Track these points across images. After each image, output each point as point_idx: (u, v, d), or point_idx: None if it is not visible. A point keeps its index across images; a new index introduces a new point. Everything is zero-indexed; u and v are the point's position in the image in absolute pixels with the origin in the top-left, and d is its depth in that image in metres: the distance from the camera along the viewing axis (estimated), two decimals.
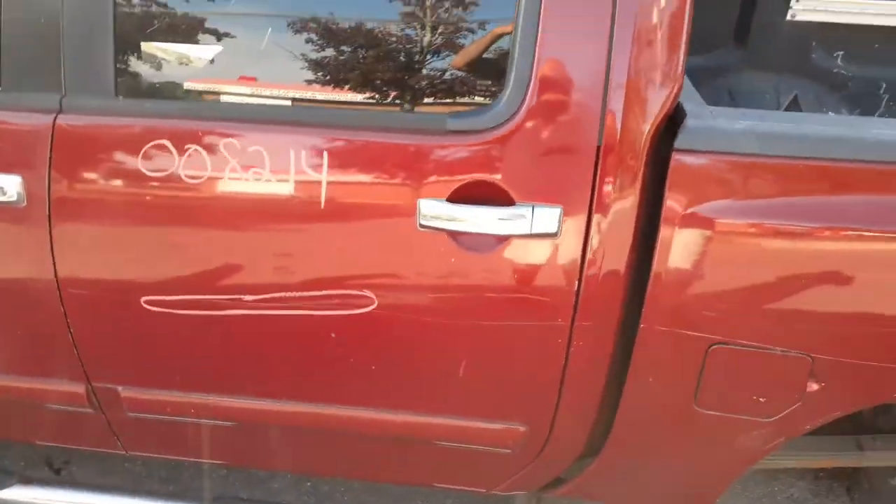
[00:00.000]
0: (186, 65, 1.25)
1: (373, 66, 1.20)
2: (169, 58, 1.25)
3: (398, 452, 1.45)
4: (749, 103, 2.15)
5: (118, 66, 1.20)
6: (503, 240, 1.15)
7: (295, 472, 1.67)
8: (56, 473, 1.69)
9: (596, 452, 1.37)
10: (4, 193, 1.22)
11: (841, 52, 2.24)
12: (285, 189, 1.17)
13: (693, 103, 1.16)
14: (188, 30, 1.24)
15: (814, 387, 1.16)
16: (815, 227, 1.06)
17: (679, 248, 1.10)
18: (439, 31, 1.18)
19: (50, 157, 1.21)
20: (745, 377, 1.18)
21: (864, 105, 2.21)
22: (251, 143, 1.17)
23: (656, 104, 1.07)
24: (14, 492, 1.61)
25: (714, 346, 1.16)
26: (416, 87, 1.21)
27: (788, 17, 2.20)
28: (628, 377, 1.22)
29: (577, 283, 1.16)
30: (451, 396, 1.32)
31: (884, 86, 2.22)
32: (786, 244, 1.08)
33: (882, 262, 1.08)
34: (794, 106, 1.98)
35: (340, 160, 1.16)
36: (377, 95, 1.21)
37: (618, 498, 1.49)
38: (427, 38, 1.19)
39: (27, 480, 1.63)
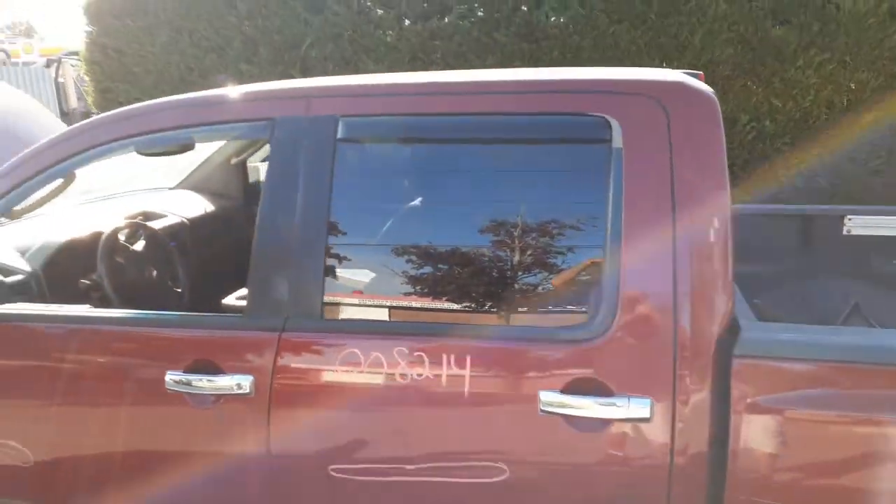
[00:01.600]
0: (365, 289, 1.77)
1: (505, 294, 1.67)
2: (352, 293, 1.77)
3: None
4: (820, 306, 2.47)
5: (323, 299, 1.72)
6: (607, 423, 1.51)
7: None
8: None
9: None
10: (241, 388, 1.71)
11: None
12: (440, 384, 1.60)
13: (745, 318, 1.53)
14: (365, 264, 1.78)
15: None
16: (844, 415, 1.36)
17: (747, 431, 1.42)
18: (550, 267, 1.65)
19: (274, 362, 1.70)
20: None
21: None
22: (415, 350, 1.62)
23: (715, 324, 1.46)
24: None
25: None
26: (531, 306, 1.65)
27: (844, 233, 2.57)
28: None
29: (669, 457, 1.48)
30: None
31: None
32: (827, 428, 1.38)
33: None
34: (856, 312, 2.27)
35: (480, 362, 1.58)
36: (503, 314, 1.66)
37: None
38: (542, 274, 1.66)
39: None
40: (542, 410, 1.53)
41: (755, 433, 1.41)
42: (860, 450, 1.36)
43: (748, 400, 1.42)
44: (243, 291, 2.23)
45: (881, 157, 4.49)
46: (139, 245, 2.39)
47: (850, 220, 2.55)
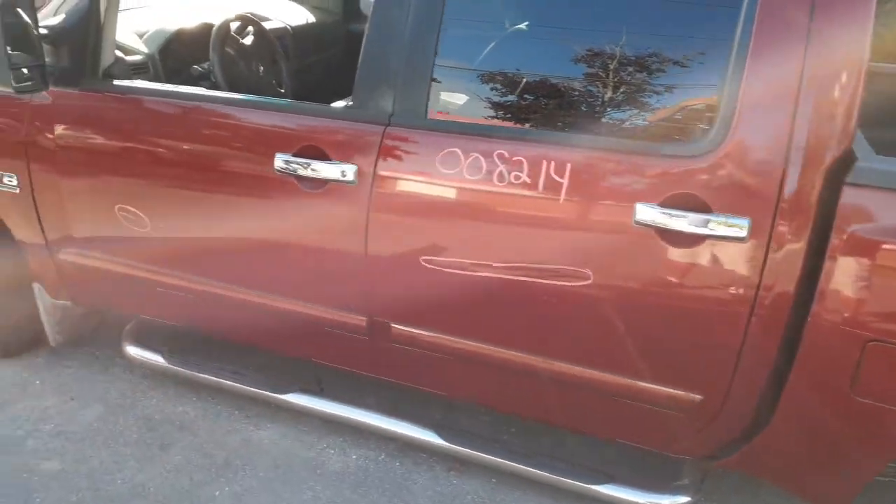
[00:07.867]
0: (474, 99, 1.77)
1: (613, 108, 1.64)
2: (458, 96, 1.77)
3: (599, 406, 1.82)
4: None
5: (429, 99, 1.74)
6: (701, 239, 1.51)
7: (501, 410, 2.07)
8: (321, 390, 2.25)
9: (761, 429, 1.65)
10: (345, 176, 1.79)
11: None
12: (537, 188, 1.62)
13: (864, 151, 1.47)
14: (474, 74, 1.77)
15: None
16: None
17: (844, 255, 1.41)
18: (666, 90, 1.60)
19: (377, 154, 1.76)
20: None
21: None
22: (515, 154, 1.64)
23: (830, 153, 1.41)
24: (294, 397, 2.20)
25: (871, 343, 1.43)
26: (639, 121, 1.63)
27: None
28: (797, 359, 1.51)
29: (758, 278, 1.49)
30: (650, 362, 1.67)
31: None
32: None
33: None
34: None
35: (580, 170, 1.59)
36: (609, 127, 1.65)
37: (777, 475, 1.74)
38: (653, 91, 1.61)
39: (304, 391, 2.21)
40: (637, 222, 1.55)
41: (852, 258, 1.40)
42: None
43: (851, 226, 1.39)
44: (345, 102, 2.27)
45: None
46: (248, 40, 2.44)
47: None
